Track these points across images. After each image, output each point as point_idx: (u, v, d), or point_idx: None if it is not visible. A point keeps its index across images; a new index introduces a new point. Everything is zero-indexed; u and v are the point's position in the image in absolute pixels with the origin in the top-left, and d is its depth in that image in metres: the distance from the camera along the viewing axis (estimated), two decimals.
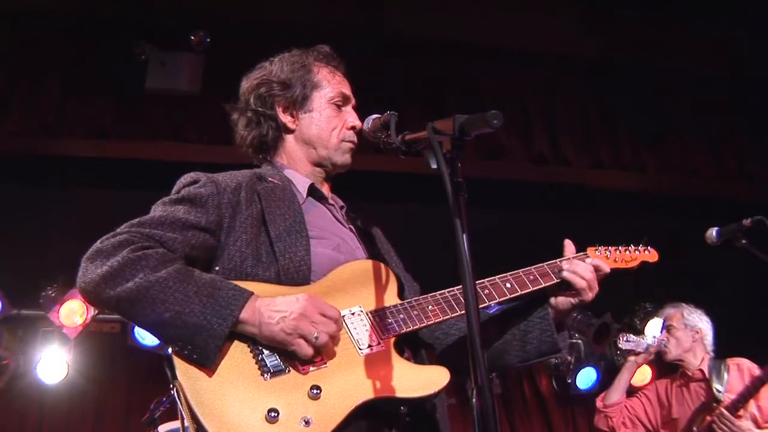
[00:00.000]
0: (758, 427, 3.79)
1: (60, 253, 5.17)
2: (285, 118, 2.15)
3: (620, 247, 2.50)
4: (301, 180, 2.12)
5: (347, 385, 1.71)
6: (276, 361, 1.70)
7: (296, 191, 2.08)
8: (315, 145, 2.12)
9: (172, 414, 5.05)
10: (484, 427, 1.45)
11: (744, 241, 3.36)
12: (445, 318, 1.89)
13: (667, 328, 4.27)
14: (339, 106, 2.16)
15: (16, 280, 5.19)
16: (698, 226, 3.60)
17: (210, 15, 4.61)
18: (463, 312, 1.83)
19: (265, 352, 1.71)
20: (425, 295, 1.92)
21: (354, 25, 4.81)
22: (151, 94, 4.54)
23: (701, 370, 4.11)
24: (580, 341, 6.52)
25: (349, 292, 1.85)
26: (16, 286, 5.25)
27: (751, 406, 3.77)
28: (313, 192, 2.11)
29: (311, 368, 1.71)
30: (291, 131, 2.16)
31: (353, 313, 1.81)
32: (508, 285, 2.00)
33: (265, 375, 1.68)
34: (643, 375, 5.95)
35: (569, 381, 6.38)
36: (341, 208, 2.18)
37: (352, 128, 2.13)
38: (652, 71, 5.26)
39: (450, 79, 5.02)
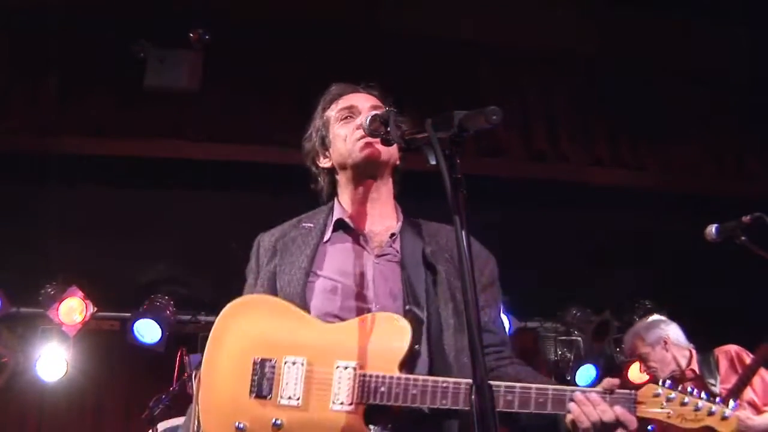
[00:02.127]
0: (758, 411, 3.76)
1: (59, 250, 5.20)
2: (323, 163, 2.23)
3: (690, 395, 1.77)
4: (337, 214, 2.15)
5: (305, 430, 1.82)
6: (265, 385, 1.86)
7: (328, 229, 2.13)
8: (344, 161, 2.14)
9: (171, 411, 5.05)
10: (484, 426, 1.45)
11: (743, 238, 3.35)
12: (422, 405, 1.81)
13: (641, 358, 4.20)
14: (346, 119, 2.17)
15: (16, 277, 5.20)
16: (698, 223, 3.60)
17: (208, 12, 4.61)
18: (447, 406, 1.78)
19: (261, 375, 1.87)
20: (421, 377, 1.82)
21: (353, 22, 4.81)
22: (151, 91, 4.54)
23: (692, 370, 4.07)
24: (579, 338, 6.53)
25: (352, 346, 1.86)
26: (16, 283, 5.26)
27: (747, 392, 3.76)
28: (342, 226, 2.11)
29: (286, 402, 1.84)
30: (333, 170, 2.22)
31: (345, 368, 1.83)
32: (509, 397, 1.79)
33: (251, 394, 1.86)
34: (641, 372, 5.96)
35: (569, 378, 6.39)
36: (391, 236, 2.10)
37: (360, 127, 2.10)
38: (652, 69, 5.25)
39: (449, 77, 5.02)
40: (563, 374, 6.52)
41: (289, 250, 2.10)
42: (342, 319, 1.95)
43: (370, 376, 1.80)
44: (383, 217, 2.13)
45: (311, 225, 2.15)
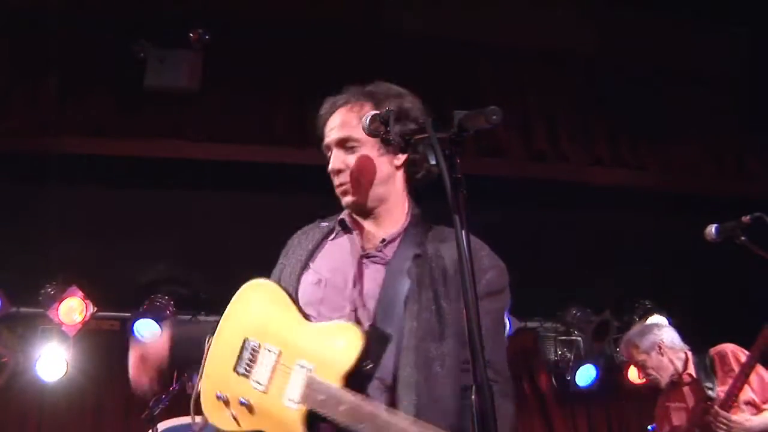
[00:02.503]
0: (758, 410, 3.76)
1: (59, 250, 5.20)
2: None
3: None
4: (344, 214, 2.19)
5: (260, 416, 1.90)
6: (245, 364, 1.96)
7: (336, 228, 2.19)
8: None
9: (171, 411, 5.05)
10: (484, 425, 1.45)
11: (743, 238, 3.35)
12: (342, 421, 1.76)
13: (639, 365, 4.18)
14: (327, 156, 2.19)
15: (16, 277, 5.20)
16: (698, 223, 3.60)
17: (209, 12, 4.61)
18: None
19: (246, 354, 1.97)
20: (354, 393, 1.77)
21: (353, 22, 4.81)
22: (151, 91, 4.54)
23: (689, 374, 4.04)
24: (579, 338, 6.53)
25: (317, 349, 1.88)
26: (16, 283, 5.26)
27: (746, 392, 3.75)
28: (343, 225, 2.17)
29: (254, 384, 1.92)
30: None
31: (302, 367, 1.86)
32: None
33: (235, 369, 1.97)
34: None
35: (569, 378, 6.39)
36: (381, 241, 2.09)
37: (330, 172, 2.15)
38: (652, 68, 5.26)
39: (449, 76, 5.02)
40: (563, 374, 6.52)
41: (301, 245, 2.18)
42: (321, 314, 1.99)
43: (317, 381, 1.82)
44: (386, 219, 2.13)
45: (327, 224, 2.22)
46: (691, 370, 4.04)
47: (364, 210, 2.13)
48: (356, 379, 1.82)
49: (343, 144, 2.11)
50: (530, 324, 6.69)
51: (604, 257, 5.84)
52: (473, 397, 1.46)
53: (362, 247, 2.09)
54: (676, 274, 5.97)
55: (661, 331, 4.18)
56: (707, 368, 3.97)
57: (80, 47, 4.60)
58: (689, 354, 4.12)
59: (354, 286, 2.03)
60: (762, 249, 3.29)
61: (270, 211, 5.25)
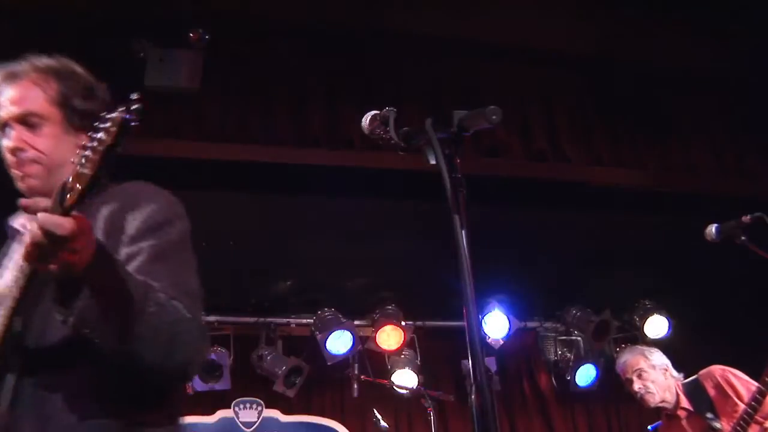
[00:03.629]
0: (761, 426, 3.62)
1: None
2: None
3: None
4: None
5: None
6: None
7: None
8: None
9: None
10: (484, 424, 1.45)
11: (743, 238, 3.35)
12: None
13: (638, 374, 4.08)
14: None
15: None
16: (698, 222, 3.60)
17: (209, 12, 4.60)
18: None
19: None
20: None
21: (353, 22, 4.80)
22: (150, 91, 4.54)
23: (684, 408, 3.96)
24: (579, 338, 6.54)
25: None
26: None
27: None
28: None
29: None
30: None
31: None
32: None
33: None
34: None
35: (569, 378, 6.40)
36: None
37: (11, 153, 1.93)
38: (651, 68, 5.26)
39: (449, 76, 5.02)
40: (563, 374, 6.52)
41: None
42: None
43: None
44: None
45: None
46: (685, 403, 3.99)
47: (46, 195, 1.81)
48: None
49: (25, 120, 1.90)
50: (530, 324, 6.70)
51: (604, 257, 5.85)
52: (473, 396, 1.46)
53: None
54: (676, 274, 5.98)
55: (666, 358, 4.17)
56: (700, 397, 3.89)
57: (80, 47, 4.59)
58: (679, 385, 4.08)
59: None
60: (762, 249, 3.29)
61: (270, 210, 5.26)
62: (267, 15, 4.70)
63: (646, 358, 4.11)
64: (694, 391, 3.97)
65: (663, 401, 4.01)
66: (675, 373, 4.11)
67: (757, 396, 3.52)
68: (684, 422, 3.97)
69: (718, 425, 3.74)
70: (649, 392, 4.03)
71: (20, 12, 4.48)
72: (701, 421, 3.84)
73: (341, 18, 4.77)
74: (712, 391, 3.89)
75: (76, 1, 4.55)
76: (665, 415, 4.08)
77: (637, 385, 4.04)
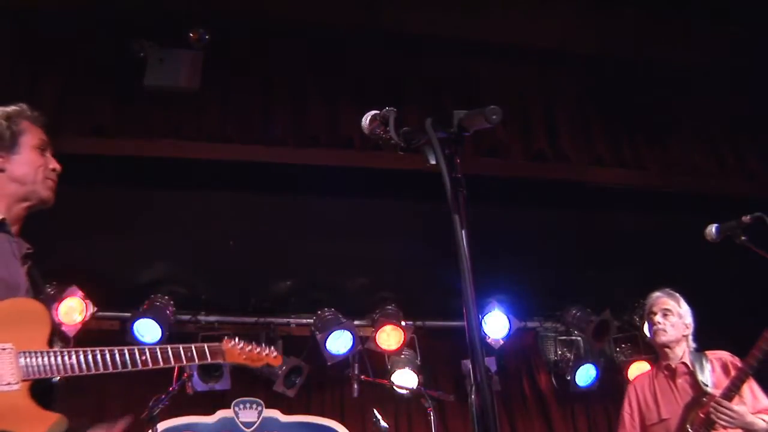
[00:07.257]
0: None
1: (59, 250, 5.19)
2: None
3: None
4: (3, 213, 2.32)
5: None
6: None
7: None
8: (23, 182, 2.41)
9: (171, 411, 5.05)
10: (484, 424, 1.45)
11: (743, 238, 3.36)
12: (80, 374, 2.09)
13: (663, 312, 4.14)
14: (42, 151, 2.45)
15: None
16: (698, 222, 3.60)
17: (208, 12, 4.61)
18: (99, 370, 2.12)
19: None
20: (75, 349, 2.08)
21: (353, 22, 4.81)
22: (150, 91, 4.54)
23: (684, 363, 4.01)
24: (579, 338, 6.53)
25: (5, 329, 1.99)
26: None
27: (735, 401, 3.73)
28: (2, 227, 2.31)
29: None
30: (2, 170, 2.42)
31: (3, 349, 1.94)
32: (144, 357, 2.27)
33: None
34: (640, 370, 5.96)
35: (569, 378, 6.39)
36: (27, 248, 2.34)
37: (53, 170, 2.46)
38: (651, 67, 5.26)
39: (449, 76, 5.02)
40: (563, 374, 6.52)
41: None
42: None
43: (31, 353, 1.98)
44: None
45: None
46: (687, 359, 4.03)
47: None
48: (54, 338, 2.09)
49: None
50: (530, 324, 6.70)
51: (604, 257, 5.85)
52: (473, 396, 1.46)
53: (17, 250, 2.28)
54: (676, 274, 5.97)
55: (693, 324, 4.21)
56: (703, 365, 3.95)
57: (80, 47, 4.60)
58: (689, 351, 4.12)
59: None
60: (762, 249, 3.29)
61: (270, 210, 5.26)
62: (267, 15, 4.70)
63: (679, 305, 4.15)
64: (699, 359, 4.01)
65: (669, 346, 4.05)
66: (691, 337, 4.15)
67: (742, 376, 3.60)
68: (681, 381, 4.01)
69: (710, 391, 3.77)
70: (665, 331, 4.07)
71: (20, 12, 4.48)
72: (697, 385, 3.87)
73: (341, 18, 4.77)
74: (717, 367, 3.92)
75: (77, 2, 4.56)
76: (664, 366, 4.11)
77: (658, 319, 4.07)
